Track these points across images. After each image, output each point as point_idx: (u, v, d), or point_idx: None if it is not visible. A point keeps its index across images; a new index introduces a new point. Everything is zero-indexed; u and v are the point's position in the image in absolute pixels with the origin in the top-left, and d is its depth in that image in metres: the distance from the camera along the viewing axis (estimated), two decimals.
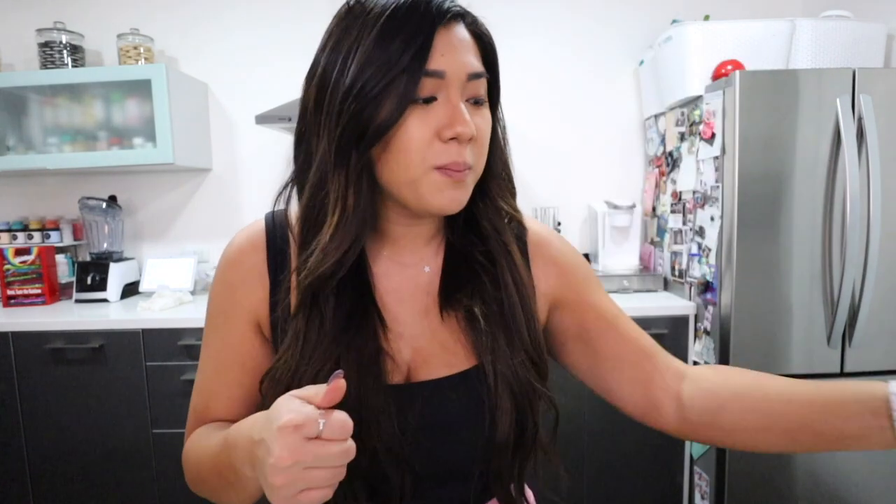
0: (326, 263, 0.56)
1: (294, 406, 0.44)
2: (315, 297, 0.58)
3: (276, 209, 0.64)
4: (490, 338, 0.61)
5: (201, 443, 0.61)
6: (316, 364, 0.57)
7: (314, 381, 0.54)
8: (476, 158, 0.57)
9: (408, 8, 0.52)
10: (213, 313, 0.66)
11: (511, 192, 0.66)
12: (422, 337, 0.63)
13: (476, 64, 0.55)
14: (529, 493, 0.76)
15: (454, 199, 0.56)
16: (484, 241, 0.63)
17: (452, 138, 0.53)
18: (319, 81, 0.56)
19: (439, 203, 0.56)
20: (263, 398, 0.62)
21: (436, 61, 0.52)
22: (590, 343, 0.69)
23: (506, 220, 0.65)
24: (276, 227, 0.65)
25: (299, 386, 0.54)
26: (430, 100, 0.53)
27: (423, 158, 0.54)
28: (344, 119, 0.53)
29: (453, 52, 0.53)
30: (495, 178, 0.63)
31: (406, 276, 0.65)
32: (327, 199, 0.56)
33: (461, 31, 0.55)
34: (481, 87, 0.56)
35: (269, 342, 0.65)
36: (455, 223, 0.65)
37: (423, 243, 0.65)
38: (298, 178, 0.61)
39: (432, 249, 0.66)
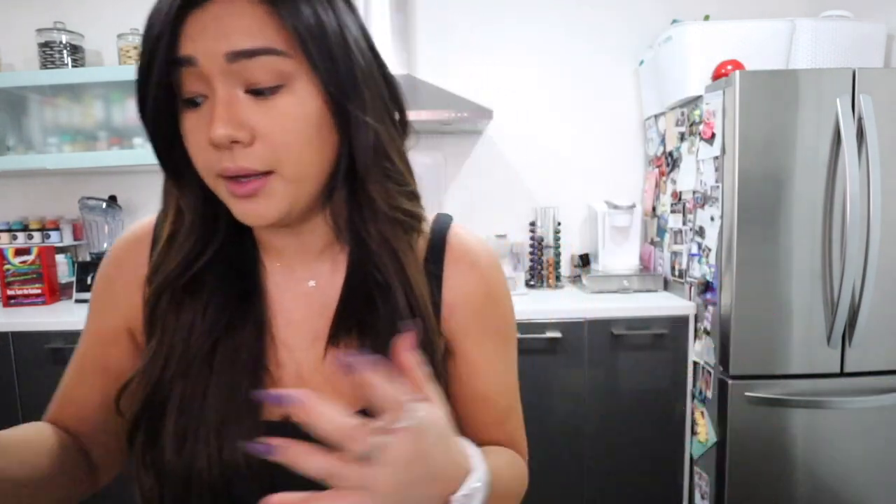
0: (170, 264, 0.52)
1: None
2: (170, 301, 0.52)
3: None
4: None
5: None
6: (178, 381, 0.51)
7: (180, 403, 0.50)
8: (273, 161, 0.46)
9: None
10: (90, 311, 0.60)
11: (407, 192, 0.54)
12: (307, 367, 0.55)
13: (242, 39, 0.43)
14: None
15: (247, 211, 0.48)
16: (376, 255, 0.53)
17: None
18: None
19: (237, 215, 0.49)
20: (121, 415, 0.54)
21: (185, 45, 0.44)
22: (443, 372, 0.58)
23: (404, 227, 0.54)
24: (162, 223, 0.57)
25: (161, 405, 0.51)
26: (196, 101, 0.46)
27: (205, 167, 0.48)
28: (143, 116, 0.48)
29: (205, 34, 0.43)
30: (372, 180, 0.51)
31: (299, 292, 0.57)
32: (165, 206, 0.55)
33: (227, 5, 0.44)
34: (257, 68, 0.44)
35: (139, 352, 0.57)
36: (344, 228, 0.55)
37: (312, 257, 0.57)
38: None
39: (327, 265, 0.57)
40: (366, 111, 0.49)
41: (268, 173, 0.47)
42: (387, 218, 0.52)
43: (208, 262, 0.53)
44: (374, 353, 0.46)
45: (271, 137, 0.45)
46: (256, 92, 0.45)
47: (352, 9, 0.51)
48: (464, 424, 0.59)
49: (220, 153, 0.45)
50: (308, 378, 0.55)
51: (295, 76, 0.46)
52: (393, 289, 0.52)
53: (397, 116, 0.54)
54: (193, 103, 0.46)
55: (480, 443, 0.56)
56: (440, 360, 0.55)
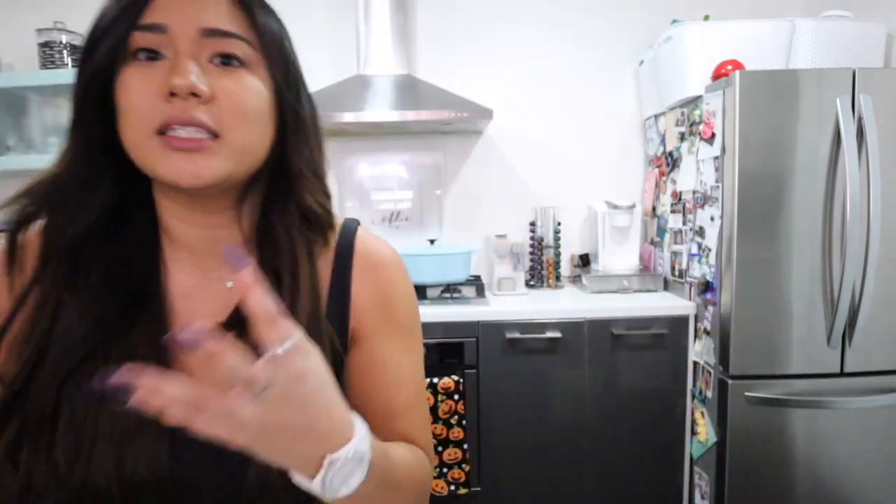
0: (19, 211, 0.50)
1: None
2: (51, 286, 0.49)
3: None
4: None
5: None
6: (65, 389, 0.47)
7: (70, 415, 0.46)
8: (225, 125, 0.48)
9: None
10: None
11: (323, 192, 0.58)
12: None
13: (219, 21, 0.48)
14: None
15: (183, 167, 0.47)
16: (278, 251, 0.54)
17: (172, 93, 0.46)
18: None
19: (167, 172, 0.47)
20: None
21: (153, 15, 0.47)
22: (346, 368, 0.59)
23: (314, 223, 0.56)
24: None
25: (45, 415, 0.46)
26: (152, 56, 0.47)
27: (143, 119, 0.47)
28: (76, 78, 0.49)
29: (181, 7, 0.47)
30: (298, 175, 0.54)
31: (212, 291, 0.55)
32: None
33: None
34: (230, 45, 0.49)
35: None
36: (258, 230, 0.56)
37: (220, 253, 0.56)
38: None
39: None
40: (304, 115, 0.55)
41: (212, 138, 0.48)
42: (300, 213, 0.55)
43: (95, 251, 0.51)
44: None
45: (229, 100, 0.48)
46: (224, 61, 0.49)
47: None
48: (371, 413, 0.55)
49: (168, 105, 0.46)
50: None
51: (256, 66, 0.51)
52: (283, 285, 0.52)
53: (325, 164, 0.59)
54: (148, 55, 0.47)
55: (383, 435, 0.54)
56: (339, 359, 0.56)
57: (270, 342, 0.36)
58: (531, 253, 2.28)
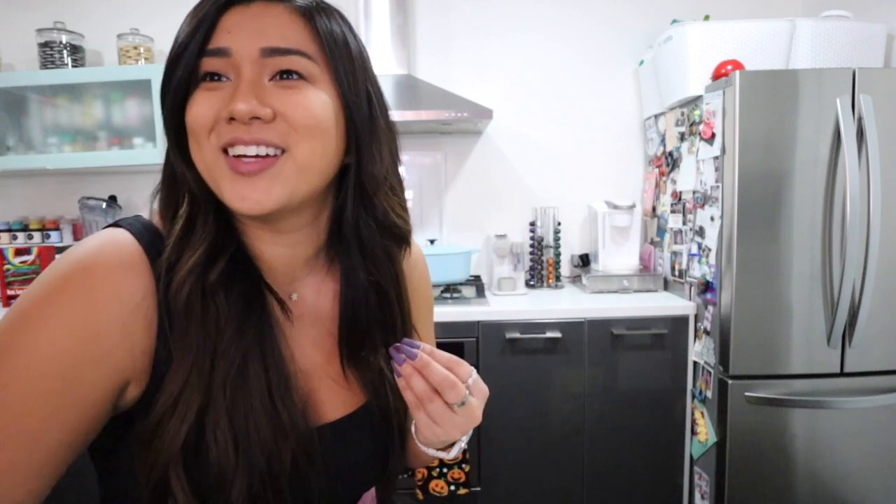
0: (192, 263, 0.49)
1: None
2: (190, 302, 0.49)
3: (135, 219, 0.53)
4: (379, 375, 0.60)
5: None
6: (216, 404, 0.49)
7: (229, 424, 0.49)
8: (288, 140, 0.48)
9: None
10: (43, 373, 0.44)
11: (401, 204, 0.59)
12: (312, 373, 0.58)
13: (279, 39, 0.48)
14: None
15: (245, 196, 0.47)
16: (373, 261, 0.57)
17: (232, 118, 0.47)
18: None
19: (230, 198, 0.48)
20: (131, 460, 0.49)
21: (218, 39, 0.48)
22: None
23: (396, 237, 0.59)
24: (149, 237, 0.51)
25: (198, 433, 0.48)
26: (217, 78, 0.49)
27: (209, 142, 0.48)
28: (161, 104, 0.51)
29: (243, 29, 0.48)
30: (381, 187, 0.55)
31: (289, 302, 0.58)
32: (175, 194, 0.53)
33: (268, 9, 0.49)
34: (290, 62, 0.49)
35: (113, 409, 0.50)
36: (341, 242, 0.57)
37: (297, 268, 0.58)
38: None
39: (318, 275, 0.60)
40: (379, 137, 0.54)
41: (275, 157, 0.48)
42: (384, 227, 0.56)
43: (222, 267, 0.51)
44: (369, 374, 0.60)
45: (292, 117, 0.48)
46: (284, 78, 0.49)
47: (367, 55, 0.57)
48: None
49: (230, 127, 0.47)
50: (316, 383, 0.58)
51: (319, 79, 0.50)
52: (392, 298, 0.60)
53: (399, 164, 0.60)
54: (213, 78, 0.49)
55: None
56: None
57: (453, 399, 0.51)
58: (531, 253, 2.28)
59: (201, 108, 0.48)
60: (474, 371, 0.54)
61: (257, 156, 0.47)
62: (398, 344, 0.52)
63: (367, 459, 0.61)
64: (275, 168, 0.48)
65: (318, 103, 0.49)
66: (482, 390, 0.55)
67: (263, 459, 0.50)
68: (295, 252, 0.57)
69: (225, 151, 0.48)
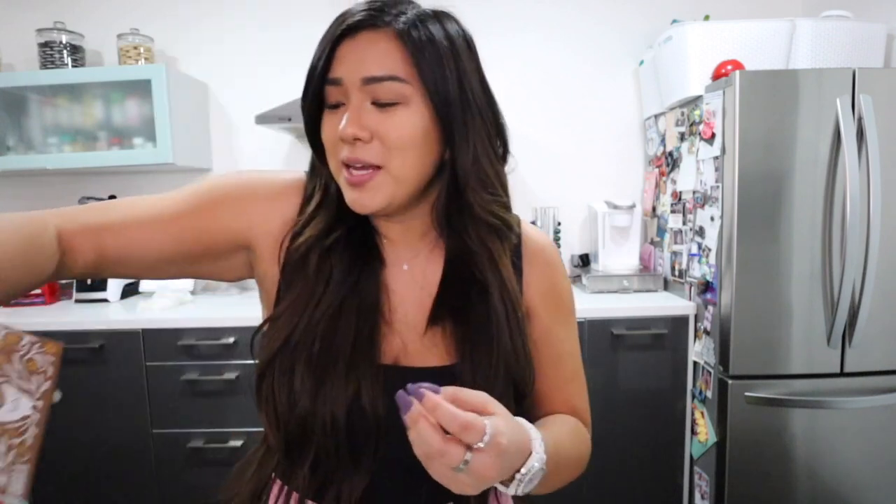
0: (314, 227, 0.64)
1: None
2: (308, 257, 0.63)
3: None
4: (471, 347, 0.64)
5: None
6: (311, 330, 0.61)
7: (318, 348, 0.60)
8: (384, 159, 0.58)
9: (330, 24, 0.60)
10: (206, 191, 0.66)
11: (500, 202, 0.65)
12: (411, 328, 0.66)
13: (376, 68, 0.57)
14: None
15: (354, 199, 0.60)
16: (472, 254, 0.64)
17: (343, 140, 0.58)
18: None
19: (347, 201, 0.61)
20: (251, 349, 0.65)
21: (335, 69, 0.58)
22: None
23: (498, 233, 0.65)
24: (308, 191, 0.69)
25: (293, 350, 0.60)
26: (338, 105, 0.59)
27: (333, 157, 0.61)
28: (304, 119, 0.63)
29: (350, 60, 0.58)
30: (471, 188, 0.62)
31: (399, 269, 0.68)
32: (314, 178, 0.67)
33: (372, 38, 0.58)
34: (383, 90, 0.57)
35: (242, 266, 0.68)
36: (443, 226, 0.66)
37: (414, 240, 0.68)
38: None
39: (426, 250, 0.69)
40: (469, 134, 0.61)
41: (377, 168, 0.59)
42: (483, 223, 0.64)
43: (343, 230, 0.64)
44: (464, 339, 0.63)
45: (386, 138, 0.58)
46: (380, 105, 0.58)
47: (472, 53, 0.65)
48: (540, 383, 0.71)
49: (344, 146, 0.58)
50: (411, 339, 0.65)
51: (411, 98, 0.58)
52: (490, 287, 0.64)
53: (500, 149, 0.66)
54: (335, 107, 0.60)
55: (552, 401, 0.72)
56: (528, 334, 0.68)
57: (473, 441, 0.47)
58: None
59: (326, 131, 0.61)
60: (490, 425, 0.48)
61: (362, 168, 0.58)
62: (408, 385, 0.49)
63: None
64: (374, 181, 0.59)
65: (409, 124, 0.58)
66: (496, 445, 0.48)
67: (340, 395, 0.59)
68: (407, 228, 0.67)
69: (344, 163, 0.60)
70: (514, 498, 0.59)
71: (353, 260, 0.64)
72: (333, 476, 0.62)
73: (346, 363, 0.60)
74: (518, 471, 0.52)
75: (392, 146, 0.58)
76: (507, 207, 0.67)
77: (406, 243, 0.68)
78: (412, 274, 0.68)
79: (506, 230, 0.66)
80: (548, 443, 0.55)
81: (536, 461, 0.53)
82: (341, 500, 0.62)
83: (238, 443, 1.86)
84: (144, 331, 1.86)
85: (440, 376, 0.61)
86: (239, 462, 0.71)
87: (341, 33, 0.58)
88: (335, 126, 0.59)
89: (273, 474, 0.68)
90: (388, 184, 0.59)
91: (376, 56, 0.57)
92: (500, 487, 0.53)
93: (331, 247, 0.64)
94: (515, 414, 0.55)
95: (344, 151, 0.58)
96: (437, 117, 0.59)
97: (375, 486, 0.62)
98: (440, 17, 0.61)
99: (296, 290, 0.63)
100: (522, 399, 0.67)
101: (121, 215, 0.63)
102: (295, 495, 0.64)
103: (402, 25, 0.57)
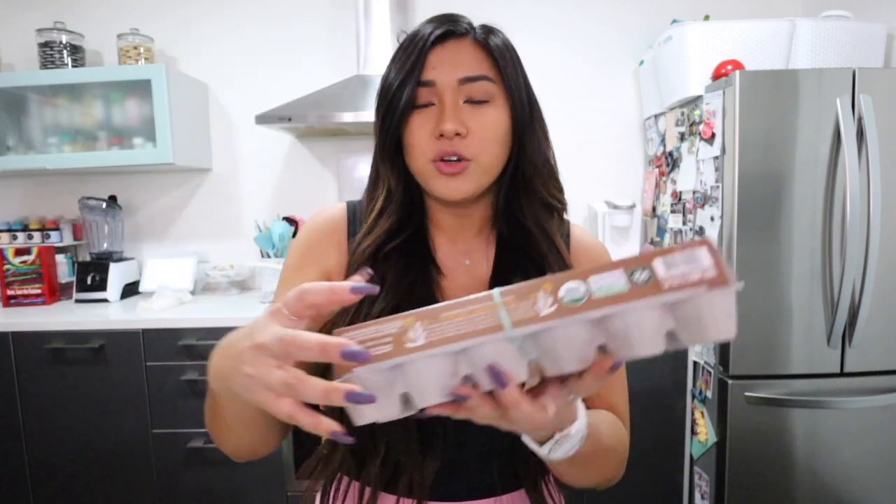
0: (374, 234, 0.68)
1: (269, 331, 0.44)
2: (374, 260, 0.67)
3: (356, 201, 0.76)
4: None
5: None
6: (374, 310, 0.64)
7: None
8: (476, 152, 0.65)
9: (411, 38, 0.67)
10: (286, 269, 0.73)
11: (557, 186, 0.73)
12: None
13: (470, 70, 0.65)
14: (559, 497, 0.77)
15: (449, 187, 0.66)
16: (528, 236, 0.70)
17: (441, 135, 0.64)
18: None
19: (438, 190, 0.66)
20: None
21: (427, 74, 0.65)
22: None
23: (553, 215, 0.72)
24: (355, 210, 0.75)
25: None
26: (427, 105, 0.65)
27: (423, 153, 0.65)
28: (378, 122, 0.68)
29: (444, 64, 0.65)
30: (538, 174, 0.70)
31: (458, 263, 0.73)
32: (377, 188, 0.71)
33: (459, 45, 0.66)
34: (476, 88, 0.65)
35: None
36: (502, 216, 0.72)
37: (472, 234, 0.74)
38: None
39: (482, 241, 0.74)
40: (536, 127, 0.70)
41: (468, 161, 0.65)
42: (543, 203, 0.71)
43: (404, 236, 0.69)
44: None
45: (479, 134, 0.65)
46: (473, 103, 0.65)
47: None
48: None
49: (441, 142, 0.64)
50: None
51: (496, 96, 0.66)
52: (549, 262, 0.68)
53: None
54: (422, 107, 0.65)
55: (591, 396, 0.71)
56: None
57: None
58: None
59: (418, 128, 0.65)
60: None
61: (458, 159, 0.64)
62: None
63: None
64: (467, 172, 0.65)
65: (498, 120, 0.66)
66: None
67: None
68: (465, 222, 0.72)
69: (433, 161, 0.65)
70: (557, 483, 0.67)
71: (409, 265, 0.69)
72: (405, 465, 0.64)
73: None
74: (556, 432, 0.53)
75: (483, 141, 0.65)
76: (562, 191, 0.74)
77: (463, 240, 0.73)
78: (469, 271, 0.72)
79: (561, 207, 0.73)
80: (592, 421, 0.56)
81: (577, 427, 0.54)
82: (413, 487, 0.64)
83: None
84: (144, 331, 1.86)
85: None
86: (305, 463, 0.74)
87: (433, 41, 0.65)
88: (427, 123, 0.65)
89: (339, 473, 0.70)
90: (478, 174, 0.66)
91: (469, 59, 0.66)
92: (533, 446, 0.54)
93: (388, 253, 0.68)
94: None
95: (440, 146, 0.64)
96: (513, 114, 0.67)
97: (447, 470, 0.65)
98: (493, 29, 0.70)
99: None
100: None
101: None
102: (365, 488, 0.66)
103: (480, 34, 0.68)
